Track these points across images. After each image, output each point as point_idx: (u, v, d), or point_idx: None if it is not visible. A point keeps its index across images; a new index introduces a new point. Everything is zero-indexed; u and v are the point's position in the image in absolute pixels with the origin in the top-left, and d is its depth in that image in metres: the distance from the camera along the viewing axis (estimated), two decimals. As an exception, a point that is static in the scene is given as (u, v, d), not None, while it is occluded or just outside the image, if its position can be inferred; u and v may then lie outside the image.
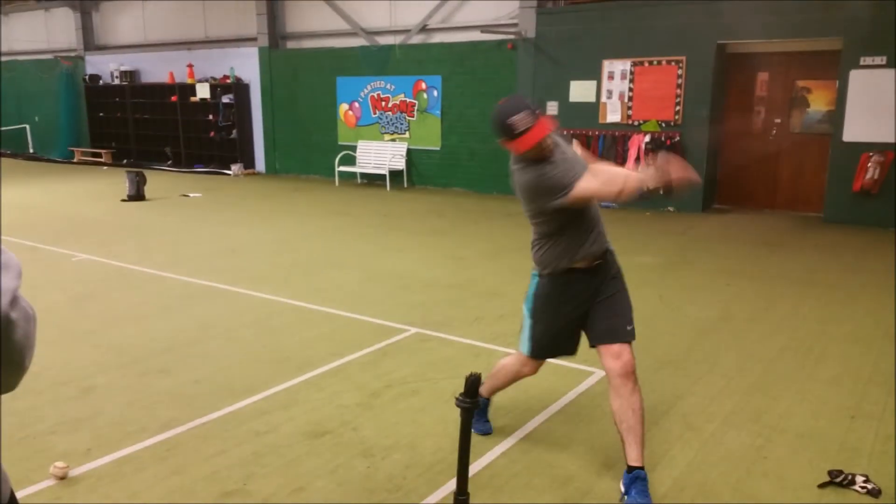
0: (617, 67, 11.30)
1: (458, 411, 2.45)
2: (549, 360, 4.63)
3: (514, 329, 3.69)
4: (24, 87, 20.59)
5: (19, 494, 3.15)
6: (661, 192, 3.00)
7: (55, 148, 19.86)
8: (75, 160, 19.10)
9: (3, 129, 20.53)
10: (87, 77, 18.99)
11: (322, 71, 14.80)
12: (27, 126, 20.54)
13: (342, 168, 14.35)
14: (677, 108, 10.88)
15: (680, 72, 10.76)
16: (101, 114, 18.93)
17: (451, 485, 3.06)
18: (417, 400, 4.17)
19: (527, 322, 3.38)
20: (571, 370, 4.53)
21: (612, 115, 11.45)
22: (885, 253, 8.06)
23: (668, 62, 10.85)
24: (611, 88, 11.41)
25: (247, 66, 15.94)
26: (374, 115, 14.28)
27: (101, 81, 18.85)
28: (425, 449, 3.57)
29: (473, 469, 3.33)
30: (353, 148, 14.55)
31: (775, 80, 10.86)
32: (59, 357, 4.86)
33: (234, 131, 16.23)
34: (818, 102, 10.53)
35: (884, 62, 9.32)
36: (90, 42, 19.30)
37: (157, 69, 17.68)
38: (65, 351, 4.99)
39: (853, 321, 5.61)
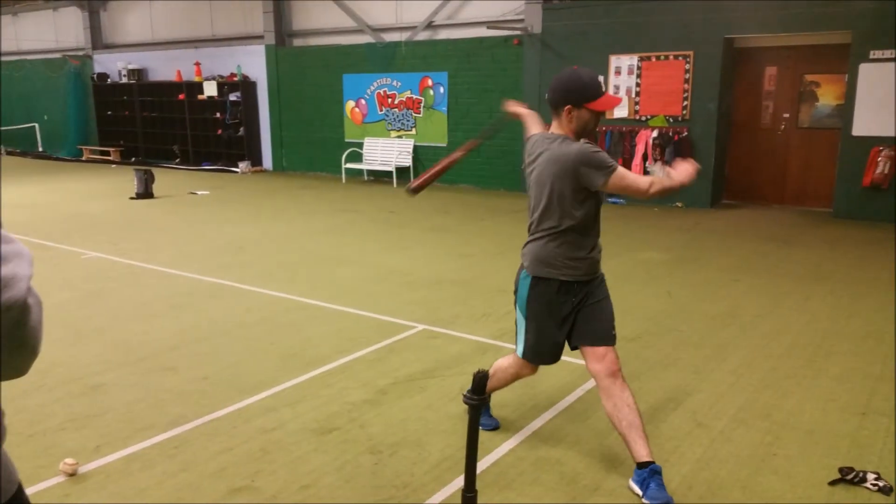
0: (624, 63, 11.26)
1: (465, 408, 2.45)
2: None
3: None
4: (33, 86, 20.68)
5: (29, 491, 3.16)
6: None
7: (64, 146, 19.95)
8: (84, 158, 19.19)
9: (13, 128, 20.62)
10: (95, 76, 19.06)
11: (328, 68, 14.81)
12: (36, 125, 20.65)
13: (349, 165, 14.35)
14: (685, 103, 10.84)
15: (687, 66, 10.71)
16: (109, 112, 19.00)
17: (459, 482, 3.06)
18: (425, 397, 4.16)
19: (521, 325, 3.32)
20: (579, 367, 4.51)
21: (620, 110, 11.40)
22: (894, 248, 8.00)
23: (676, 57, 10.80)
24: (618, 84, 11.37)
25: (254, 63, 15.96)
26: (380, 112, 14.28)
27: (109, 80, 18.92)
28: (433, 446, 3.57)
29: (481, 466, 3.32)
30: (360, 145, 14.55)
31: (783, 75, 10.80)
32: (67, 354, 4.88)
33: (242, 129, 16.27)
34: (827, 97, 10.46)
35: (893, 56, 9.25)
36: (98, 41, 19.37)
37: (165, 67, 17.73)
38: (73, 348, 5.01)
39: (863, 317, 5.57)
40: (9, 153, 20.65)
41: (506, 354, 3.75)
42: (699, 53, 10.60)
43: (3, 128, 20.54)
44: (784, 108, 10.86)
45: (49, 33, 20.30)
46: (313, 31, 15.25)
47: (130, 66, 18.23)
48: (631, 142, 11.25)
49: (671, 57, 10.84)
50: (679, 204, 11.07)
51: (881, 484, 3.12)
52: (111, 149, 18.69)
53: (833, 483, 3.17)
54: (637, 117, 11.29)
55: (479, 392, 2.34)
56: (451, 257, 7.78)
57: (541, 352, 3.32)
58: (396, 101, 14.01)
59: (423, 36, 13.61)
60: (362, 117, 14.57)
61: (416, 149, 13.87)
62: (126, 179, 13.28)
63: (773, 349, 4.90)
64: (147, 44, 18.33)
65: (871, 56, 9.40)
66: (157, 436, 3.69)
